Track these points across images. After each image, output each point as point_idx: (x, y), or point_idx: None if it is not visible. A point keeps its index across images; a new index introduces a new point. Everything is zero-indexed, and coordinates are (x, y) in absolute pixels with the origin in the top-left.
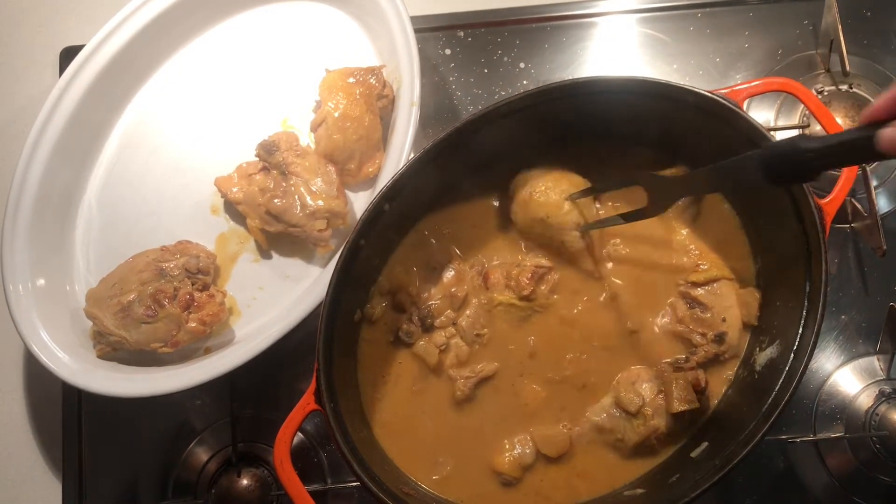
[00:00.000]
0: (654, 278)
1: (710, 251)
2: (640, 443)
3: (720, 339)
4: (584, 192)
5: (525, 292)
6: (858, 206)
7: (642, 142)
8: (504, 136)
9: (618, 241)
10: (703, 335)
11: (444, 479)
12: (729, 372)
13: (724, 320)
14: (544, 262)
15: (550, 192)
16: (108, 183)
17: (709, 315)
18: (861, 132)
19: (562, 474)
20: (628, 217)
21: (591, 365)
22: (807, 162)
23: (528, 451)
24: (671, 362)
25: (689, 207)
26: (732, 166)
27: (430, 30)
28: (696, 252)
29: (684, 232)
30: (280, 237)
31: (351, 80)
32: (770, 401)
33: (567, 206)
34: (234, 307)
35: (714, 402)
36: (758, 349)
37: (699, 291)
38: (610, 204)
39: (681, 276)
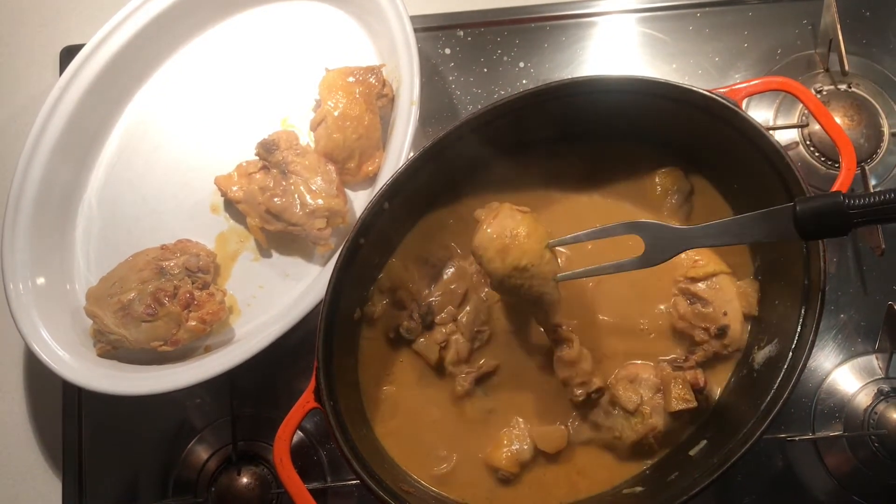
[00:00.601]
0: (652, 276)
1: (706, 247)
2: (637, 441)
3: (722, 332)
4: (576, 238)
5: None
6: None
7: (641, 141)
8: (503, 136)
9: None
10: (706, 330)
11: (444, 476)
12: (728, 370)
13: (725, 314)
14: None
15: (531, 239)
16: (109, 182)
17: (710, 310)
18: None
19: (562, 471)
20: (618, 268)
21: (594, 363)
22: (849, 219)
23: (525, 448)
24: (670, 361)
25: (682, 205)
26: (759, 219)
27: (430, 29)
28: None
29: None
30: (280, 236)
31: (350, 79)
32: (769, 399)
33: (548, 254)
34: (234, 306)
35: (713, 400)
36: (756, 348)
37: (699, 287)
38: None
39: (679, 273)
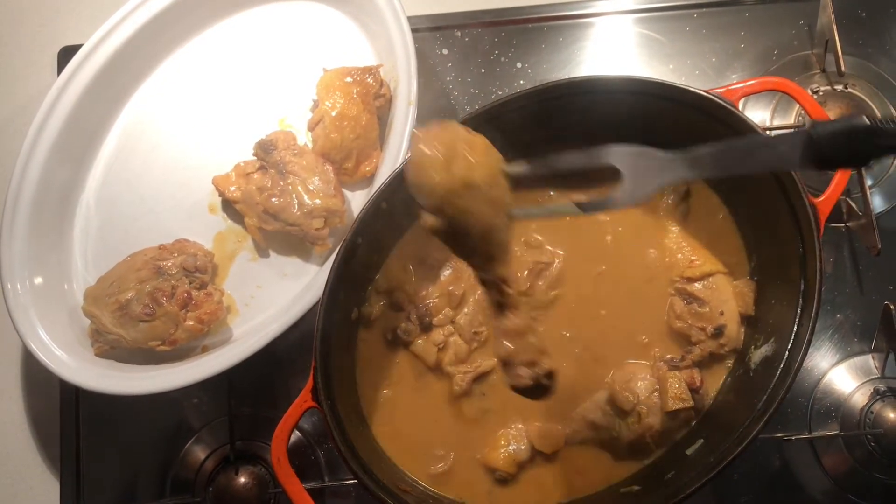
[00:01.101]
0: (648, 277)
1: (702, 247)
2: (634, 441)
3: (719, 332)
4: (533, 168)
5: (522, 287)
6: (853, 205)
7: (638, 141)
8: (500, 136)
9: (609, 238)
10: (703, 329)
11: (441, 475)
12: (724, 370)
13: (721, 313)
14: (543, 258)
15: (486, 155)
16: (107, 182)
17: (706, 309)
18: None
19: (559, 470)
20: (589, 207)
21: (587, 363)
22: (874, 142)
23: (522, 448)
24: (667, 360)
25: (679, 204)
26: (763, 145)
27: (428, 29)
28: (689, 248)
29: (675, 229)
30: (278, 236)
31: (348, 79)
32: (765, 398)
33: (503, 181)
34: (231, 305)
35: (709, 400)
36: (753, 347)
37: (695, 287)
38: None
39: (675, 273)
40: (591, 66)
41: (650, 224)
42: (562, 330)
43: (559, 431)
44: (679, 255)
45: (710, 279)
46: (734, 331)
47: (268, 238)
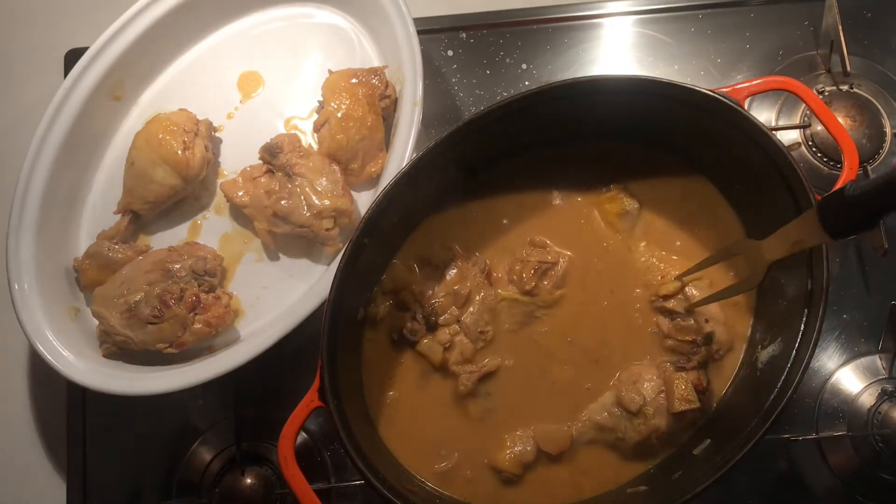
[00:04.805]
0: (633, 295)
1: (673, 251)
2: (640, 442)
3: (708, 339)
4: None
5: (528, 287)
6: None
7: (643, 142)
8: (505, 137)
9: (611, 240)
10: (692, 341)
11: (447, 475)
12: (731, 370)
13: (706, 321)
14: (549, 258)
15: None
16: (113, 183)
17: (690, 321)
18: None
19: (565, 471)
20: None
21: (593, 365)
22: (856, 207)
23: (528, 449)
24: (673, 361)
25: (634, 226)
26: (793, 229)
27: (433, 31)
28: (657, 261)
29: (641, 245)
30: (286, 237)
31: (354, 80)
32: (772, 398)
33: None
34: (238, 306)
35: (716, 400)
36: (760, 347)
37: (672, 303)
38: None
39: (651, 294)
40: (595, 67)
41: (618, 245)
42: (567, 330)
43: (565, 432)
44: (649, 276)
45: (685, 290)
46: (723, 332)
47: (277, 240)
